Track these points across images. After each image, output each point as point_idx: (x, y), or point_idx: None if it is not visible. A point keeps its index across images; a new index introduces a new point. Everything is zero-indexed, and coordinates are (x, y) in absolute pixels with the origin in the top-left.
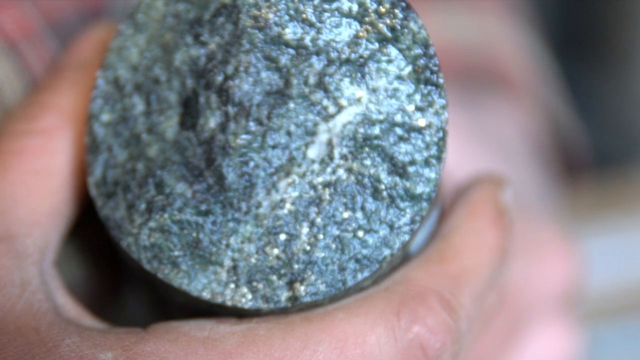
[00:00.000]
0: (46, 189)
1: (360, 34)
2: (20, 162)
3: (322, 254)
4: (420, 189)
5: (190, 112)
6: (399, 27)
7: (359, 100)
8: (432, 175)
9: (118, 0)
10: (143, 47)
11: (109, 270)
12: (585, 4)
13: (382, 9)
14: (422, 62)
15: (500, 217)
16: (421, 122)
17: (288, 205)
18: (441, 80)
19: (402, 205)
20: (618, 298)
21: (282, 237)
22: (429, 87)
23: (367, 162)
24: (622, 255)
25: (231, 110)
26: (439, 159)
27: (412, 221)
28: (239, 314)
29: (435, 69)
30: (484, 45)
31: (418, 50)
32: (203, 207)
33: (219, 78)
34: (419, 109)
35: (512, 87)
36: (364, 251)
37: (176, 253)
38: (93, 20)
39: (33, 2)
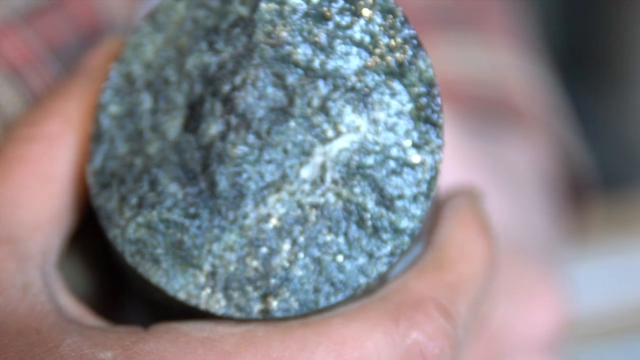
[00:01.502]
0: (48, 194)
1: (369, 64)
2: (22, 167)
3: (300, 273)
4: (404, 223)
5: (194, 116)
6: (407, 64)
7: (358, 128)
8: (418, 212)
9: (115, 22)
10: (159, 46)
11: (110, 273)
12: (588, 25)
13: (393, 44)
14: (424, 100)
15: (487, 229)
16: (415, 158)
17: (274, 221)
18: (441, 121)
19: (384, 236)
20: (622, 318)
21: (264, 250)
22: (428, 126)
23: (357, 190)
24: (624, 275)
25: (233, 120)
26: (427, 196)
27: (392, 254)
28: (211, 318)
29: (436, 108)
30: (496, 78)
31: (422, 89)
32: (191, 210)
33: (227, 87)
34: (415, 145)
35: (524, 120)
36: (341, 276)
37: (159, 251)
38: (92, 43)
39: (34, 28)
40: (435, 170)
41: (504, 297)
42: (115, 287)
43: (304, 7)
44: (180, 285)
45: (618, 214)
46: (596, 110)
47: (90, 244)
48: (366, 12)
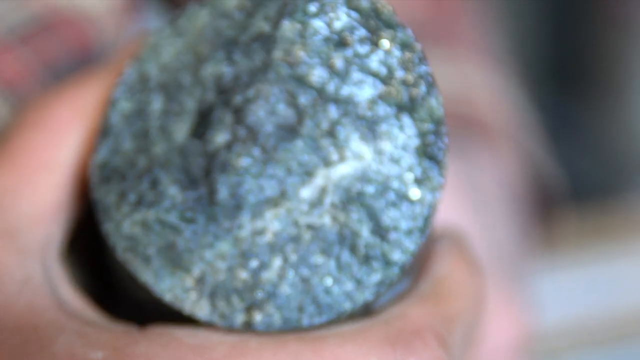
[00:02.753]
0: (50, 184)
1: (382, 95)
2: (25, 156)
3: (287, 290)
4: (396, 255)
5: (203, 122)
6: (419, 100)
7: (362, 156)
8: (411, 246)
9: (107, 45)
10: (177, 50)
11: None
12: (578, 37)
13: (409, 78)
14: (431, 138)
15: (478, 269)
16: (415, 194)
17: (268, 235)
18: (445, 160)
19: (375, 266)
20: (606, 327)
21: (255, 263)
22: (432, 164)
23: (354, 216)
24: (609, 284)
25: (241, 131)
26: (422, 232)
27: (380, 283)
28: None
29: (442, 147)
30: (465, 94)
31: (431, 126)
32: (188, 214)
33: (239, 98)
34: (416, 181)
35: (492, 136)
36: (327, 298)
37: (151, 250)
38: (83, 66)
39: (30, 47)
40: (433, 207)
41: None
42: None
43: (325, 30)
44: (167, 286)
45: (606, 223)
46: (585, 120)
47: (93, 235)
48: (386, 44)
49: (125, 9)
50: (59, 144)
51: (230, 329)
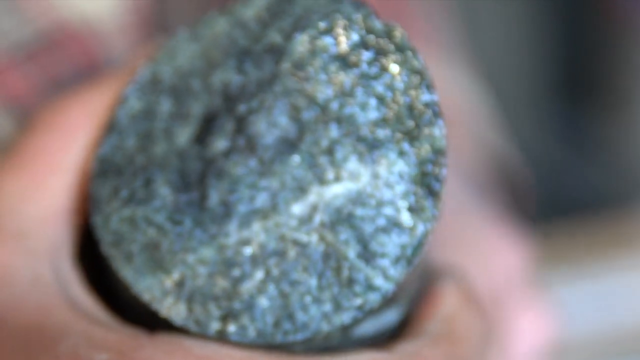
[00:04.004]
0: (59, 186)
1: (385, 119)
2: (37, 159)
3: (265, 303)
4: (379, 282)
5: (206, 128)
6: (422, 128)
7: (358, 178)
8: (396, 275)
9: (115, 61)
10: (192, 55)
11: None
12: (588, 47)
13: (414, 105)
14: (429, 167)
15: (483, 310)
16: (407, 222)
17: (253, 246)
18: (442, 192)
19: (356, 289)
20: (615, 340)
21: (236, 272)
22: (428, 194)
23: (342, 237)
24: (623, 296)
25: (241, 141)
26: (409, 262)
27: (359, 308)
28: (168, 326)
29: (440, 178)
30: None
31: (431, 156)
32: (177, 217)
33: (243, 108)
34: (410, 209)
35: (451, 127)
36: (303, 317)
37: (134, 247)
38: (89, 78)
39: (35, 63)
40: (424, 238)
41: (462, 255)
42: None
43: (335, 48)
44: (146, 285)
45: (618, 232)
46: (595, 130)
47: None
48: (394, 68)
49: (136, 26)
50: (70, 147)
51: (203, 337)
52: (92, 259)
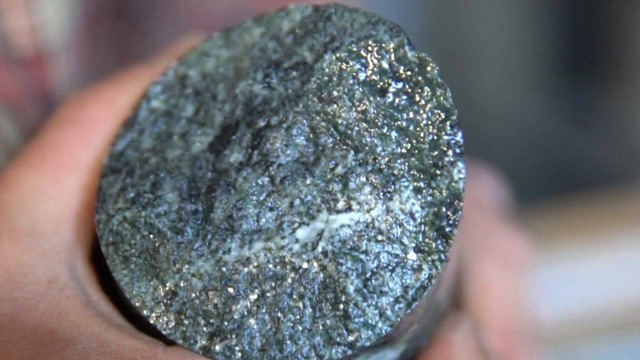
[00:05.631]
0: (78, 185)
1: (404, 153)
2: (55, 155)
3: (255, 326)
4: (376, 321)
5: (223, 138)
6: (441, 168)
7: (369, 211)
8: (394, 315)
9: (63, 86)
10: (222, 61)
11: None
12: (595, 25)
13: (437, 143)
14: (444, 210)
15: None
16: (412, 263)
17: (251, 267)
18: (453, 236)
19: (350, 326)
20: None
21: (230, 291)
22: (439, 237)
23: (343, 269)
24: (625, 271)
25: (255, 156)
26: (408, 305)
27: (351, 345)
28: (157, 334)
29: (453, 223)
30: None
31: (447, 198)
32: (179, 225)
33: (262, 123)
34: (418, 250)
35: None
36: (291, 346)
37: (132, 251)
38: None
39: (26, 69)
40: (428, 281)
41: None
42: None
43: (364, 74)
44: (138, 291)
45: (621, 210)
46: (601, 107)
47: None
48: (422, 102)
49: (79, 43)
50: (89, 144)
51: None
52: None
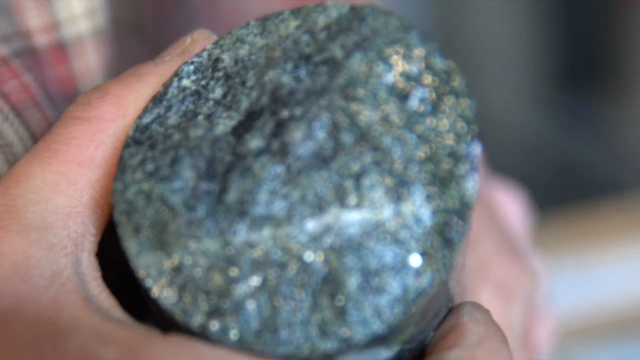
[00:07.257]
0: (88, 180)
1: (421, 158)
2: (67, 151)
3: (253, 310)
4: (372, 319)
5: (246, 124)
6: (455, 178)
7: (379, 211)
8: (392, 315)
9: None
10: (255, 49)
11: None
12: (593, 31)
13: (454, 152)
14: (454, 218)
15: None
16: (416, 266)
17: (257, 251)
18: (459, 245)
19: (347, 320)
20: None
21: (233, 272)
22: (444, 245)
23: (346, 264)
24: (628, 278)
25: (275, 145)
26: (408, 306)
27: (345, 341)
28: (178, 328)
29: (460, 231)
30: None
31: (457, 207)
32: (192, 202)
33: (285, 113)
34: (423, 253)
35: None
36: (287, 334)
37: (143, 222)
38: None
39: (32, 73)
40: (430, 285)
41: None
42: None
43: (392, 77)
44: (145, 262)
45: (624, 218)
46: (600, 115)
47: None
48: (445, 111)
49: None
50: (100, 139)
51: (185, 326)
52: (114, 253)
